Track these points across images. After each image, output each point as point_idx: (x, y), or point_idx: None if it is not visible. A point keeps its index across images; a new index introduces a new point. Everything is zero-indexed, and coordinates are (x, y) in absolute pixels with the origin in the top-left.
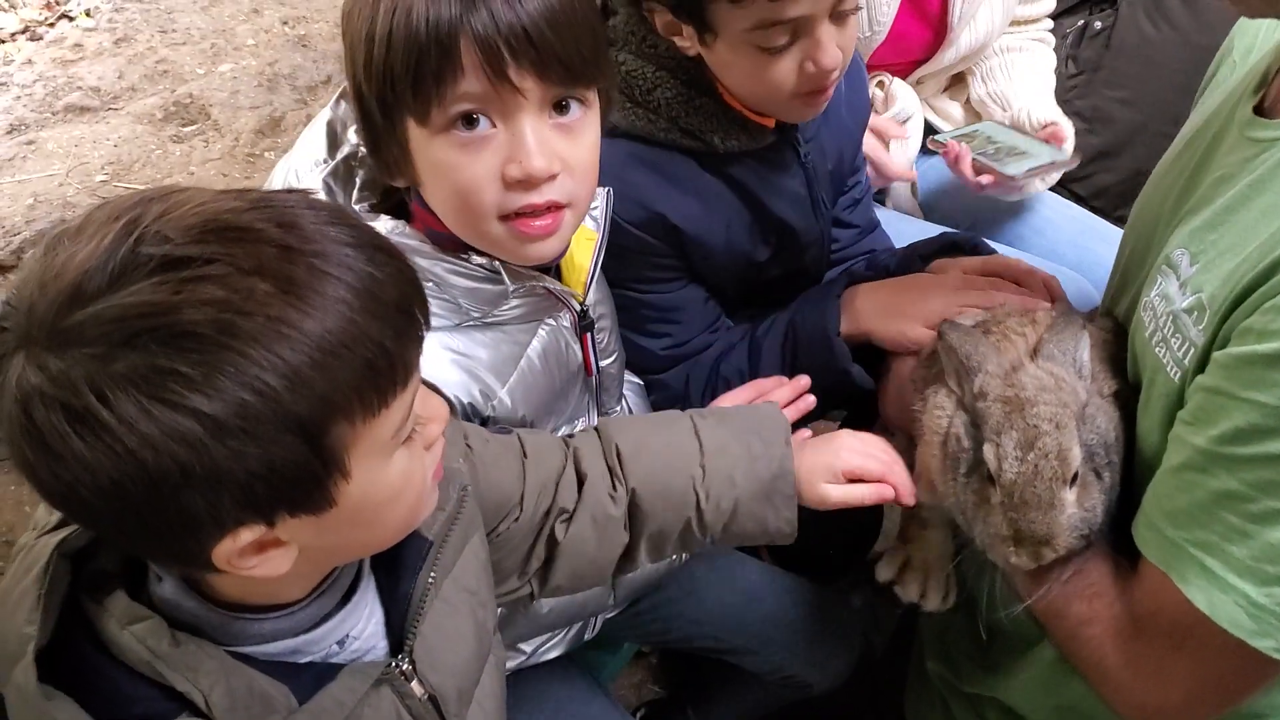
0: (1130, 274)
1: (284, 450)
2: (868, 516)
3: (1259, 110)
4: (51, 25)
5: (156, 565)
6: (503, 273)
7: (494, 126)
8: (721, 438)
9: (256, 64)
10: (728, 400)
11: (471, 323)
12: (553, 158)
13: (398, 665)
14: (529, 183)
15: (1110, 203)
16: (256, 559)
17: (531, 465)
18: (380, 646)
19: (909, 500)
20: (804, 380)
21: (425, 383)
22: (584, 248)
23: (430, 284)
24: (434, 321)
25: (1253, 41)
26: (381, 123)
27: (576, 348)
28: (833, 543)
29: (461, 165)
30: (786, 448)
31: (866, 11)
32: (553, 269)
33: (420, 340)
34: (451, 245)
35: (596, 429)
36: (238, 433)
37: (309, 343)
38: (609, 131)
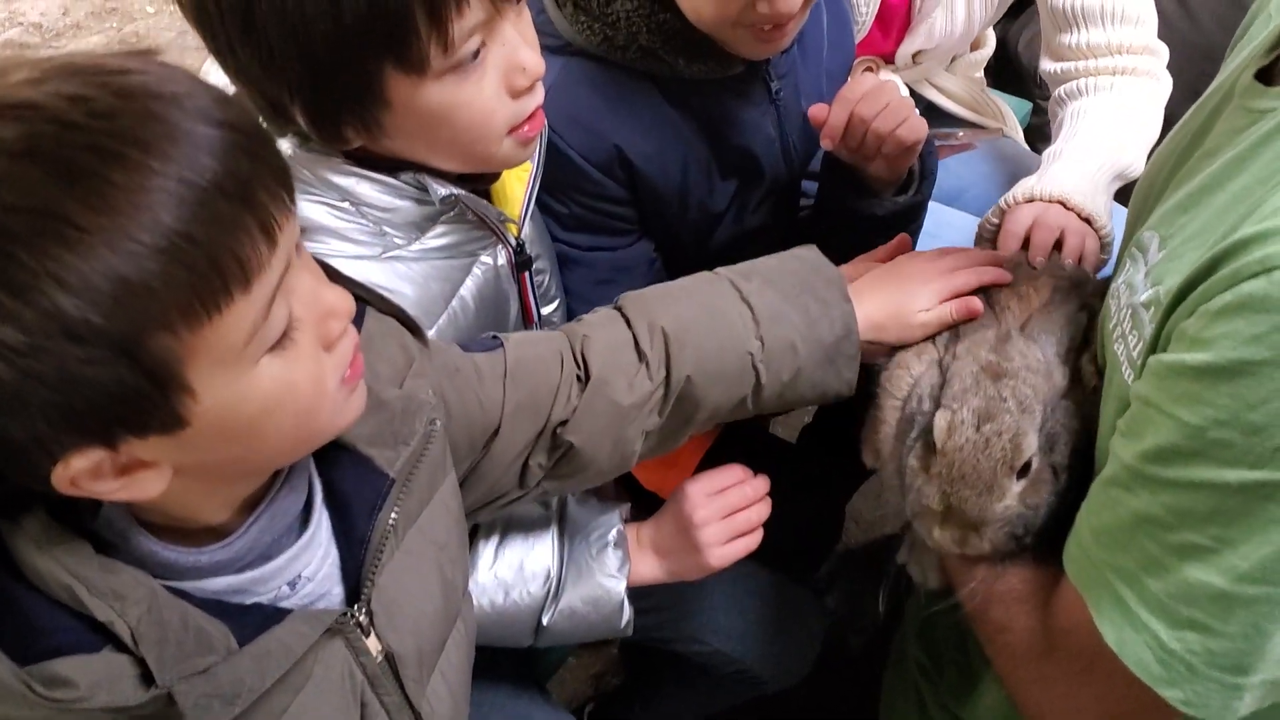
0: (1122, 250)
1: (94, 369)
2: (830, 510)
3: (1263, 76)
4: None
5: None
6: (431, 185)
7: (484, 44)
8: (774, 302)
9: None
10: None
11: (395, 254)
12: (536, 48)
13: (353, 615)
14: (533, 85)
15: None
16: (117, 482)
17: (511, 385)
18: (335, 593)
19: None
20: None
21: (331, 270)
22: (517, 176)
23: (347, 205)
24: (354, 250)
25: None
26: (342, 85)
27: (514, 290)
28: (796, 534)
29: (468, 99)
30: (847, 304)
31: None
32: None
33: (270, 230)
34: (381, 166)
35: (623, 308)
36: (25, 351)
37: (96, 242)
38: (563, 48)
